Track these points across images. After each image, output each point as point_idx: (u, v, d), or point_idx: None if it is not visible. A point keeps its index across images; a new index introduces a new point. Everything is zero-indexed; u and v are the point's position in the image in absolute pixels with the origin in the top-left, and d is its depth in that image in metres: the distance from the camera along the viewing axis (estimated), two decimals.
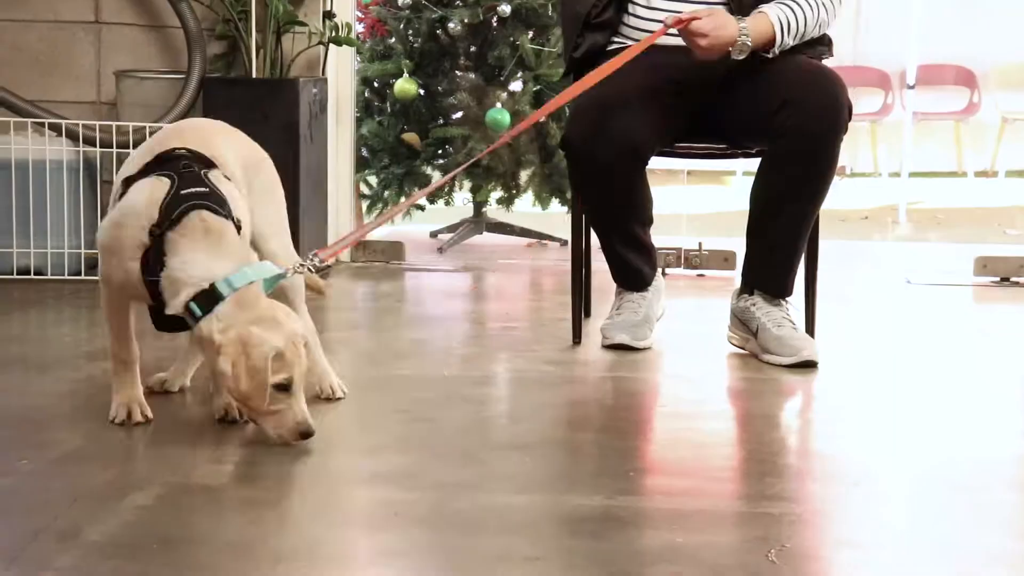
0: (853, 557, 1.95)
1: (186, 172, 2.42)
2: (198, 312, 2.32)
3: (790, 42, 3.13)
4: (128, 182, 2.45)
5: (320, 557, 1.87)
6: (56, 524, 1.96)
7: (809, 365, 3.09)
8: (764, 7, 3.13)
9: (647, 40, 3.07)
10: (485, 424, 2.64)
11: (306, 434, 2.35)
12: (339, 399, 2.72)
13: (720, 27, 3.05)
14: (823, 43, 3.23)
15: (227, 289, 2.32)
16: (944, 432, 2.66)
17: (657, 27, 3.18)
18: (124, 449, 2.38)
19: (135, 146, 4.13)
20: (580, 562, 1.87)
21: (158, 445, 2.40)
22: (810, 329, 3.30)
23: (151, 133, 4.13)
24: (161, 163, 2.45)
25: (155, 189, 2.40)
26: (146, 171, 2.45)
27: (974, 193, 9.17)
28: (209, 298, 2.32)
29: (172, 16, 4.32)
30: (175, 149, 2.47)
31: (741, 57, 3.08)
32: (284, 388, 2.32)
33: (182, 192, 2.38)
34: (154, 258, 2.35)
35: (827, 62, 3.23)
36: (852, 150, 9.60)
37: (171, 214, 2.36)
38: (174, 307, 2.35)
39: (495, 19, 5.08)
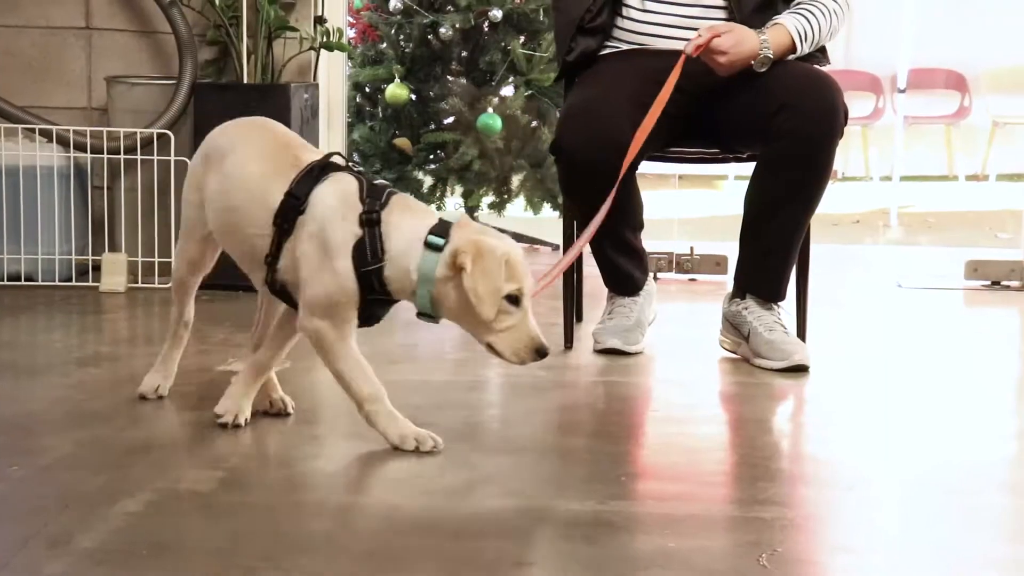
0: (846, 562, 1.95)
1: (356, 172, 2.44)
2: (439, 243, 2.29)
3: (807, 50, 3.14)
4: (293, 195, 2.40)
5: (311, 563, 1.87)
6: (47, 530, 1.95)
7: (801, 369, 3.09)
8: (779, 18, 3.13)
9: (673, 74, 3.04)
10: (477, 429, 2.64)
11: (541, 352, 2.33)
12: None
13: (739, 43, 3.06)
14: (819, 50, 3.24)
15: (453, 219, 2.33)
16: (936, 436, 2.66)
17: (652, 30, 3.19)
18: (114, 455, 2.38)
19: (127, 152, 4.14)
20: (572, 567, 1.87)
21: (148, 451, 2.40)
22: (802, 333, 3.30)
23: (142, 139, 4.14)
24: (319, 170, 2.42)
25: (346, 184, 2.39)
26: (308, 182, 2.40)
27: (965, 197, 9.19)
28: (443, 228, 2.31)
29: (163, 22, 4.32)
30: (328, 156, 2.46)
31: (763, 70, 3.08)
32: (514, 301, 2.31)
33: (375, 183, 2.39)
34: (371, 244, 2.33)
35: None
36: (844, 154, 9.62)
37: (377, 199, 2.35)
38: (405, 289, 2.32)
39: (486, 24, 5.09)
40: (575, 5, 3.26)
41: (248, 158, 2.51)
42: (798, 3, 3.19)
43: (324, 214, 2.37)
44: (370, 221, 2.33)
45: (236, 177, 2.50)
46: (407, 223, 2.34)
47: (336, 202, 2.37)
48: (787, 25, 3.11)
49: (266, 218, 2.42)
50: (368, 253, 2.33)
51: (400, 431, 2.42)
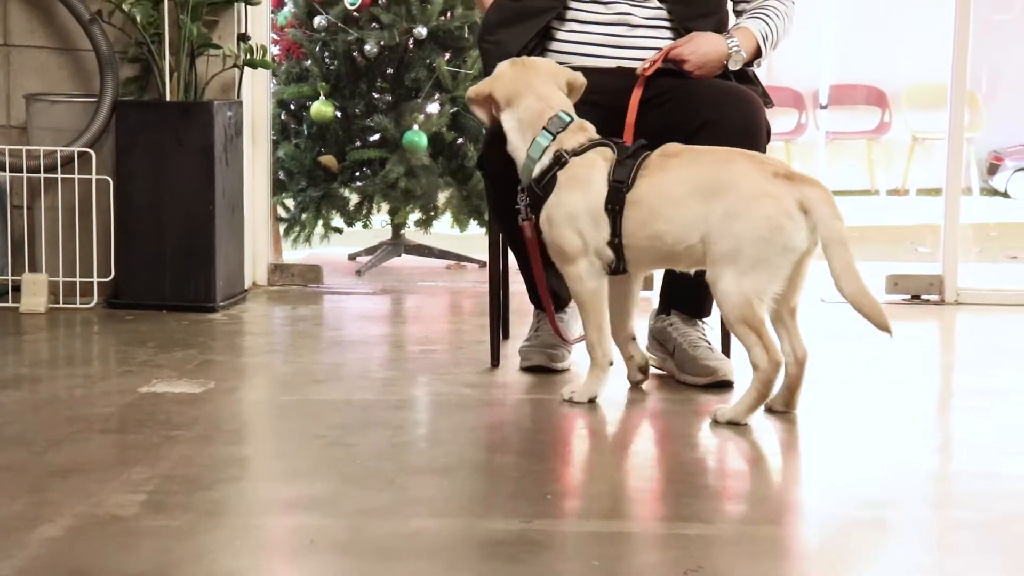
0: None
1: None
2: None
3: (769, 52, 3.22)
4: None
5: None
6: None
7: (725, 385, 3.12)
8: (744, 21, 3.19)
9: (634, 96, 3.10)
10: (403, 448, 2.63)
11: None
12: None
13: (696, 49, 3.13)
14: (756, 83, 3.29)
15: None
16: (859, 449, 2.69)
17: (581, 49, 3.22)
18: (33, 479, 2.34)
19: (47, 170, 4.09)
20: None
21: (68, 475, 2.36)
22: (726, 349, 3.32)
23: (63, 157, 4.09)
24: None
25: None
26: None
27: (886, 211, 9.31)
28: None
29: (83, 39, 4.27)
30: None
31: (736, 67, 3.17)
32: None
33: None
34: None
35: None
36: None
37: None
38: None
39: (411, 41, 5.08)
40: (513, 43, 3.25)
41: None
42: (753, 9, 3.23)
43: None
44: None
45: None
46: None
47: None
48: (752, 29, 3.17)
49: None
50: None
51: None
